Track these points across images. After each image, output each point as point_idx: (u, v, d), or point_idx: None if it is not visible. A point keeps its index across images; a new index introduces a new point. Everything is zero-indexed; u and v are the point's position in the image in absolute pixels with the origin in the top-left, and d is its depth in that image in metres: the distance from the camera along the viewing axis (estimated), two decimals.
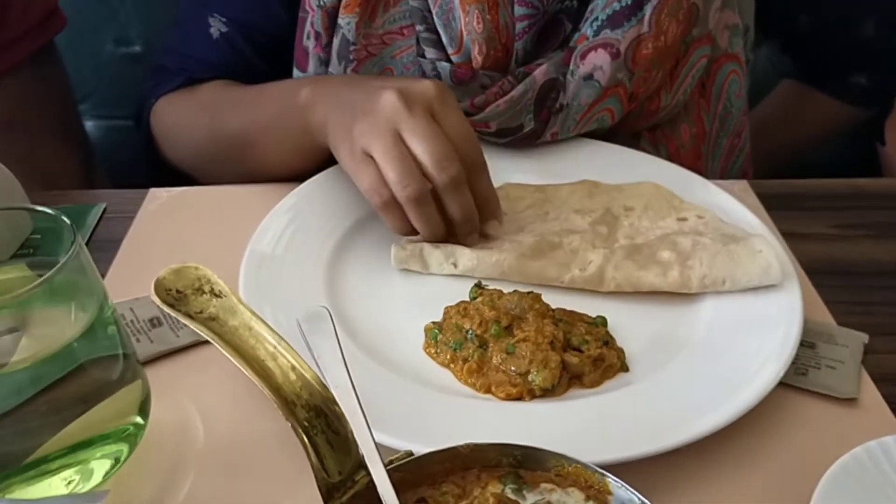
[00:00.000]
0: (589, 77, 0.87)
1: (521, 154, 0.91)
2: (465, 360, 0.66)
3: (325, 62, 0.92)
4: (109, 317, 0.59)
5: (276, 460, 0.61)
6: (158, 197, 0.91)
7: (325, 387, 0.52)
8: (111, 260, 0.81)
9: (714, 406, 0.62)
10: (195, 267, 0.55)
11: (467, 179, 0.73)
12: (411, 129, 0.71)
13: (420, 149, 0.71)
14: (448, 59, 0.88)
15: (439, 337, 0.68)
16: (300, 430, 0.50)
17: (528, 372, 0.64)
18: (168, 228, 0.86)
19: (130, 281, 0.78)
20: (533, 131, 0.89)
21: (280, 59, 0.97)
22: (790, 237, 0.85)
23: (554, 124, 0.89)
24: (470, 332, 0.67)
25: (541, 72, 0.87)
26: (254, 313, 0.53)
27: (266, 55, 0.98)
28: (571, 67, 0.87)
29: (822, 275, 0.80)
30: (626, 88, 0.88)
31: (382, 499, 0.50)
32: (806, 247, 0.84)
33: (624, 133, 0.94)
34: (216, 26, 0.98)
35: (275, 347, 0.52)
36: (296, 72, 0.95)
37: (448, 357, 0.67)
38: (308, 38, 0.93)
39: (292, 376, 0.52)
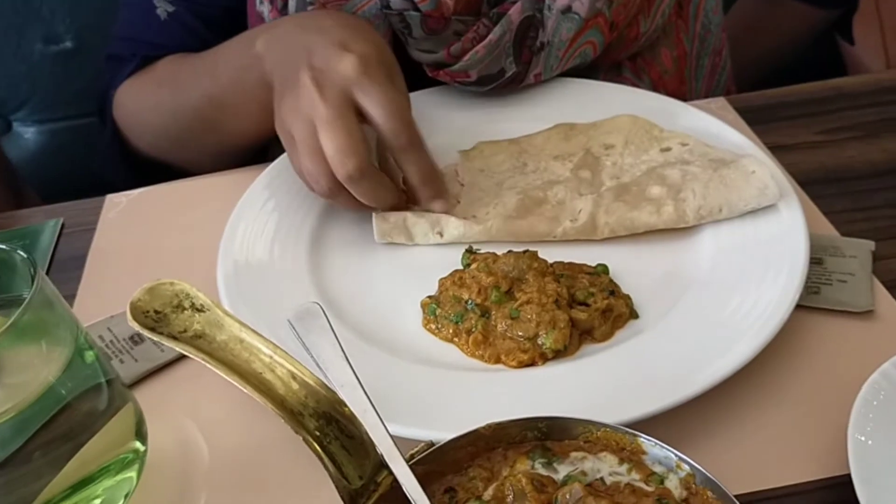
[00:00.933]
0: (567, 10, 0.82)
1: (495, 105, 0.87)
2: (469, 332, 0.63)
3: None
4: (85, 345, 0.55)
5: (291, 468, 0.58)
6: (117, 203, 0.86)
7: (330, 389, 0.49)
8: (78, 279, 0.77)
9: (732, 343, 0.59)
10: (170, 283, 0.51)
11: (399, 161, 0.71)
12: (367, 92, 0.69)
13: (377, 112, 0.68)
14: (416, 8, 0.83)
15: (438, 311, 0.65)
16: (313, 442, 0.47)
17: (536, 335, 0.61)
18: (133, 235, 0.81)
19: (102, 298, 0.73)
20: (516, 74, 0.85)
21: (235, 32, 0.91)
22: (777, 150, 0.82)
23: (536, 65, 0.85)
24: (469, 301, 0.64)
25: (516, 10, 0.82)
26: (242, 324, 0.50)
27: (219, 30, 0.92)
28: (547, 2, 0.82)
29: (816, 185, 0.78)
30: (606, 18, 0.84)
31: (410, 497, 0.47)
32: (795, 157, 0.82)
33: (605, 65, 0.90)
34: (162, 6, 0.93)
35: (271, 357, 0.49)
36: None
37: (451, 331, 0.63)
38: (260, 2, 0.87)
39: (294, 385, 0.48)
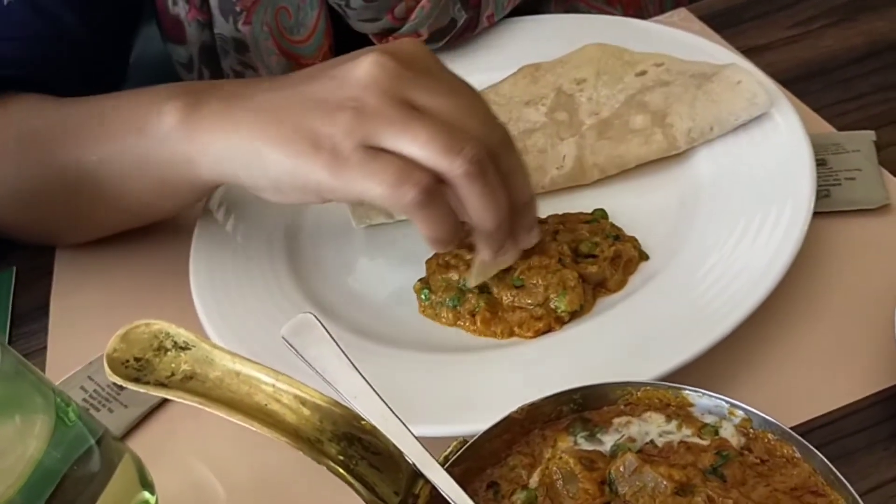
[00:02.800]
0: None
1: (451, 60, 0.81)
2: (473, 313, 0.58)
3: (208, 24, 0.79)
4: (65, 407, 0.50)
5: (318, 496, 0.54)
6: None
7: (344, 407, 0.45)
8: (45, 330, 0.71)
9: (755, 267, 0.55)
10: (146, 323, 0.46)
11: (496, 164, 0.53)
12: (426, 89, 0.52)
13: (416, 149, 0.51)
14: None
15: (432, 297, 0.60)
16: (338, 468, 0.43)
17: (547, 300, 0.57)
18: (95, 272, 0.75)
19: (76, 346, 0.68)
20: (468, 21, 0.79)
21: (111, 22, 0.76)
22: (752, 52, 0.78)
23: (487, 6, 0.80)
24: (462, 282, 0.59)
25: None
26: (234, 355, 0.45)
27: (91, 17, 0.73)
28: None
29: (799, 82, 0.74)
30: None
31: (451, 502, 0.43)
32: (771, 57, 0.77)
33: None
34: None
35: (273, 386, 0.44)
36: (171, 46, 0.81)
37: (451, 317, 0.59)
38: (174, 3, 0.78)
39: (305, 411, 0.44)
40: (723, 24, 0.82)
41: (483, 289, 0.59)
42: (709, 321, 0.53)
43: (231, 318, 0.60)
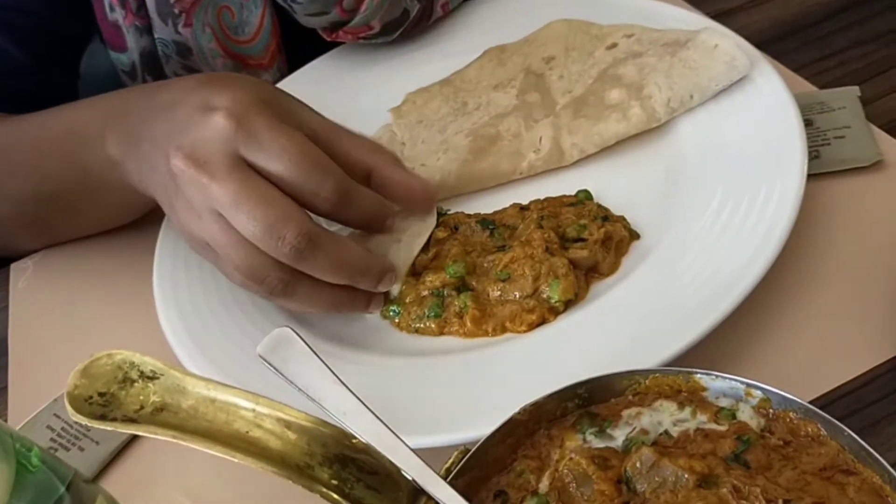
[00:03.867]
0: None
1: (409, 50, 0.78)
2: (461, 315, 0.54)
3: (147, 29, 0.75)
4: (26, 452, 0.45)
5: None
6: (23, 269, 0.75)
7: (333, 426, 0.41)
8: (5, 367, 0.66)
9: (752, 239, 0.52)
10: (107, 354, 0.42)
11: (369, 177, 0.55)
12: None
13: (280, 168, 0.50)
14: None
15: (404, 313, 0.55)
16: (333, 494, 0.39)
17: (537, 290, 0.53)
18: (53, 303, 0.71)
19: (40, 383, 0.63)
20: (422, 11, 0.76)
21: (58, 49, 0.76)
22: (721, 17, 0.75)
23: None
24: (440, 291, 0.55)
25: None
26: (208, 381, 0.41)
27: (38, 49, 0.73)
28: None
29: (774, 43, 0.71)
30: None
31: None
32: (743, 20, 0.75)
33: None
34: None
35: (254, 411, 0.40)
36: (113, 55, 0.77)
37: (436, 327, 0.55)
38: (111, 9, 0.74)
39: (291, 435, 0.40)
40: None
41: (462, 288, 0.55)
42: (711, 299, 0.50)
43: (201, 339, 0.56)
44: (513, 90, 0.70)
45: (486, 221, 0.59)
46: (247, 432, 0.40)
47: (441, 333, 0.55)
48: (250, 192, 0.50)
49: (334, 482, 0.39)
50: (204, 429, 0.40)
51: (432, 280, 0.55)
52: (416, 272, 0.57)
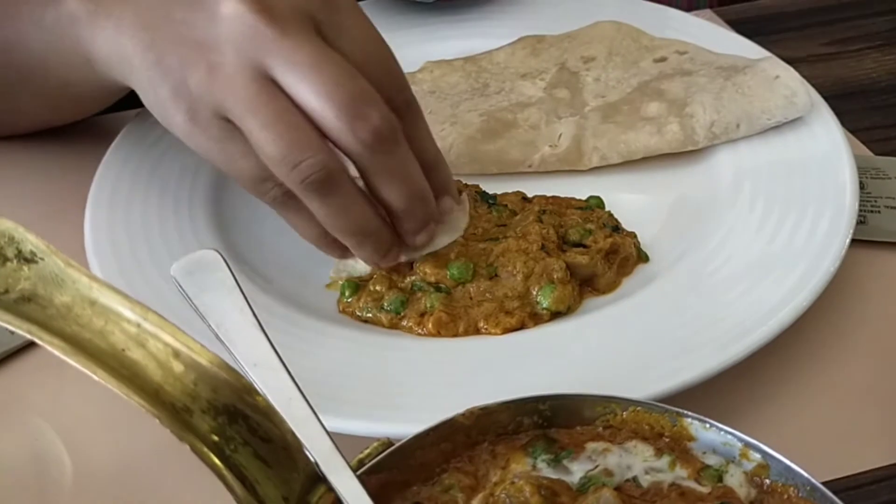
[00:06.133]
0: None
1: (443, 19, 0.71)
2: (422, 314, 0.46)
3: None
4: None
5: (191, 492, 0.41)
6: None
7: (235, 372, 0.33)
8: None
9: (778, 289, 0.45)
10: None
11: (405, 131, 0.44)
12: (286, 59, 0.42)
13: (309, 90, 0.42)
14: None
15: (364, 299, 0.47)
16: (207, 451, 0.31)
17: (527, 291, 0.45)
18: None
19: None
20: None
21: None
22: None
23: None
24: (418, 283, 0.47)
25: None
26: (94, 279, 0.33)
27: None
28: None
29: (836, 100, 0.64)
30: None
31: None
32: (806, 71, 0.67)
33: None
34: None
35: (139, 326, 0.32)
36: None
37: (387, 320, 0.46)
38: None
39: (177, 366, 0.32)
40: (752, 31, 0.72)
41: (439, 287, 0.46)
42: (720, 339, 0.42)
43: (121, 243, 0.48)
44: (541, 82, 0.63)
45: (486, 194, 0.51)
46: (123, 350, 0.31)
47: (392, 327, 0.46)
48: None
49: (214, 437, 0.31)
50: (71, 333, 0.31)
51: (429, 274, 0.47)
52: None
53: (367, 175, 0.44)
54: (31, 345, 0.49)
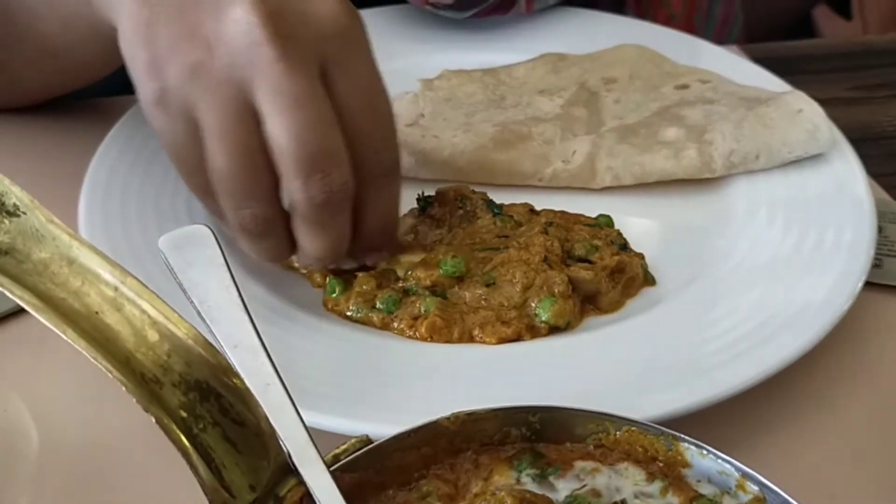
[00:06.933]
0: None
1: (467, 31, 0.70)
2: (416, 318, 0.44)
3: None
4: None
5: (157, 470, 0.39)
6: None
7: (211, 348, 0.31)
8: None
9: (793, 324, 0.43)
10: None
11: (362, 194, 0.43)
12: (273, 85, 0.40)
13: (282, 126, 0.40)
14: None
15: (353, 299, 0.45)
16: (173, 426, 0.29)
17: (525, 303, 0.44)
18: None
19: None
20: (503, 1, 0.68)
21: None
22: None
23: None
24: (413, 287, 0.45)
25: None
26: (75, 237, 0.31)
27: None
28: None
29: (857, 144, 0.63)
30: None
31: None
32: (829, 113, 0.66)
33: (606, 1, 0.74)
34: None
35: (116, 289, 0.30)
36: None
37: (378, 320, 0.44)
38: None
39: (152, 335, 0.30)
40: (777, 70, 0.71)
41: (436, 291, 0.45)
42: (720, 371, 0.41)
43: (113, 212, 0.47)
44: (559, 99, 0.62)
45: (492, 203, 0.50)
46: (97, 312, 0.30)
47: (382, 328, 0.45)
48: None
49: (182, 413, 0.29)
50: (44, 290, 0.30)
51: (423, 278, 0.45)
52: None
53: (296, 217, 0.42)
54: (10, 316, 0.48)
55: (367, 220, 0.44)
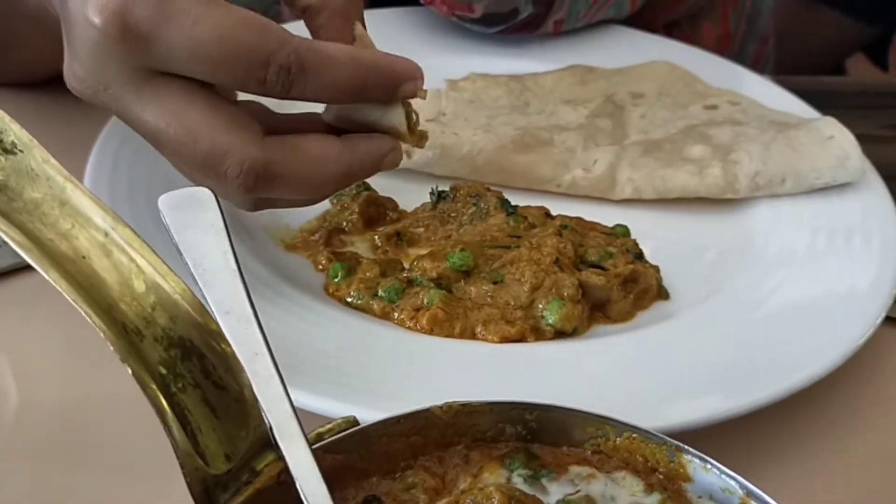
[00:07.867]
0: None
1: (496, 39, 0.69)
2: (418, 309, 0.43)
3: None
4: None
5: (136, 439, 0.38)
6: None
7: (202, 308, 0.30)
8: None
9: (808, 352, 0.42)
10: None
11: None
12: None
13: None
14: None
15: (356, 286, 0.44)
16: (150, 381, 0.27)
17: (532, 304, 0.42)
18: None
19: None
20: (532, 18, 0.66)
21: None
22: None
23: (559, 9, 0.66)
24: (418, 278, 0.44)
25: None
26: (70, 180, 0.30)
27: None
28: None
29: (888, 181, 0.61)
30: None
31: (304, 499, 0.28)
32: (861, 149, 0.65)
33: (638, 28, 0.73)
34: None
35: (106, 235, 0.29)
36: None
37: (379, 308, 0.43)
38: None
39: (137, 287, 0.29)
40: (810, 103, 0.70)
41: (441, 284, 0.43)
42: (728, 389, 0.39)
43: (121, 168, 0.46)
44: (584, 110, 0.60)
45: (506, 202, 0.48)
46: (84, 257, 0.29)
47: (383, 317, 0.43)
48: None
49: (161, 370, 0.28)
50: (31, 229, 0.29)
51: (429, 269, 0.44)
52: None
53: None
54: (3, 276, 0.47)
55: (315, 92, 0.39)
